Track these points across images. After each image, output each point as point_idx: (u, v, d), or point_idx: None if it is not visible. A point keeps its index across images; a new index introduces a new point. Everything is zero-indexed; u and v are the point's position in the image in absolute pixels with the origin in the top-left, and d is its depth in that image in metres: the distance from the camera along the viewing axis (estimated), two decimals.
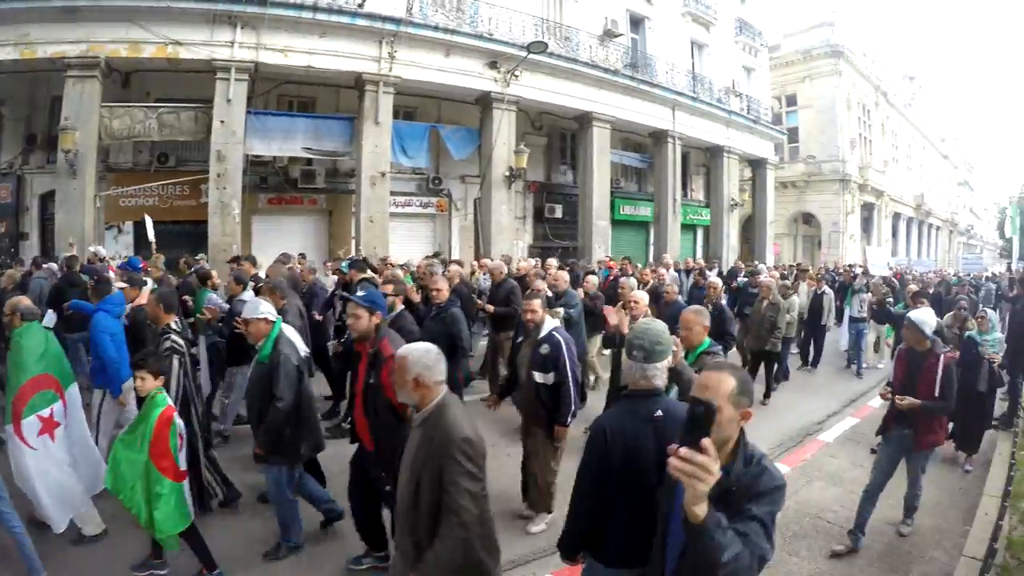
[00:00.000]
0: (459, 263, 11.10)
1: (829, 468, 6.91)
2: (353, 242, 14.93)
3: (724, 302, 9.17)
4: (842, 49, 31.72)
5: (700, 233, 26.00)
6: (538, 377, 4.92)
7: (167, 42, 12.39)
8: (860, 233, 34.54)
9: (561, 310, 7.15)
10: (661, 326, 2.87)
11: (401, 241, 16.01)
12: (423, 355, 2.84)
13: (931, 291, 13.94)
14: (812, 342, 12.42)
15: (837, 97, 31.81)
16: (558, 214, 19.93)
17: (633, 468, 2.52)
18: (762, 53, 27.39)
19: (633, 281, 8.30)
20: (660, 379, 2.71)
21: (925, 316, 5.04)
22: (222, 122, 12.74)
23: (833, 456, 7.36)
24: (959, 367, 6.01)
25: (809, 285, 12.80)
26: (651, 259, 20.28)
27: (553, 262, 12.17)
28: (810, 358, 12.43)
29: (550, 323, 5.12)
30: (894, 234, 41.54)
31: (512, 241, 17.29)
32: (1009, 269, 27.01)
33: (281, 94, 15.56)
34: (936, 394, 4.74)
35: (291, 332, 4.69)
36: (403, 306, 5.85)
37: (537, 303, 5.15)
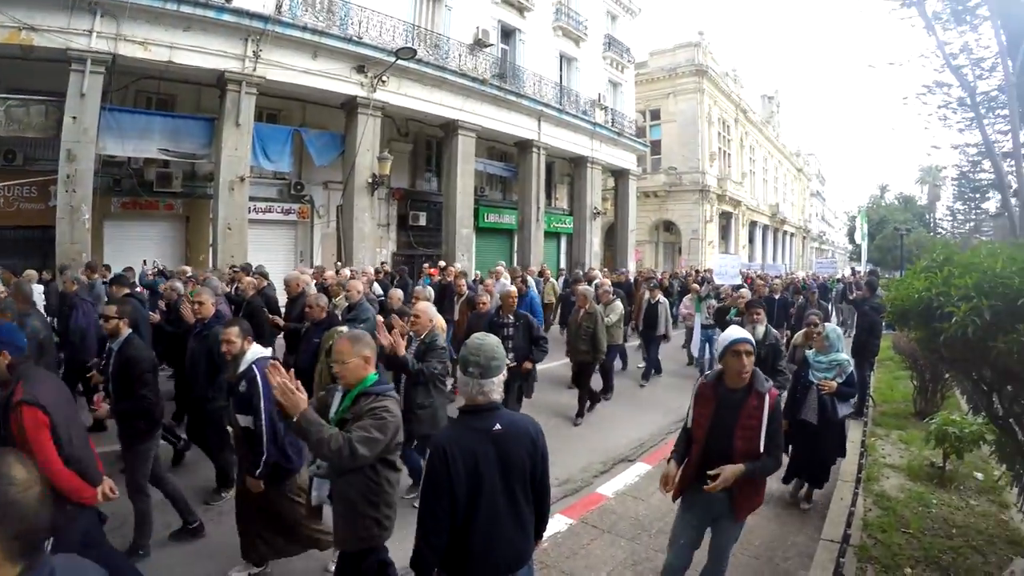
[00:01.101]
0: (259, 273, 10.91)
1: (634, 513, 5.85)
2: (211, 250, 14.60)
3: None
4: (706, 68, 34.53)
5: (564, 241, 27.53)
6: (241, 420, 4.20)
7: (20, 26, 11.47)
8: (718, 240, 37.52)
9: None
10: (494, 340, 2.87)
11: (261, 249, 15.68)
12: None
13: (777, 296, 13.46)
14: (647, 352, 12.12)
15: (699, 113, 34.68)
16: (422, 222, 20.27)
17: (476, 484, 2.58)
18: (629, 69, 29.34)
19: (430, 291, 8.93)
20: (497, 393, 2.76)
21: (734, 335, 3.58)
22: (74, 118, 11.96)
23: (638, 499, 6.21)
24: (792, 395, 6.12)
25: (653, 294, 12.28)
26: (512, 266, 21.18)
27: (347, 271, 11.61)
28: (650, 369, 12.09)
29: (253, 353, 4.32)
30: (751, 240, 45.41)
31: (375, 249, 17.51)
32: (854, 272, 29.84)
33: (139, 90, 14.84)
34: (761, 448, 3.46)
35: None
36: (130, 330, 4.86)
37: (234, 331, 4.41)
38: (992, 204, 31.10)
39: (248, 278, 9.91)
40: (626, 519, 5.70)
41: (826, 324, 6.29)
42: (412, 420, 5.28)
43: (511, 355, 6.83)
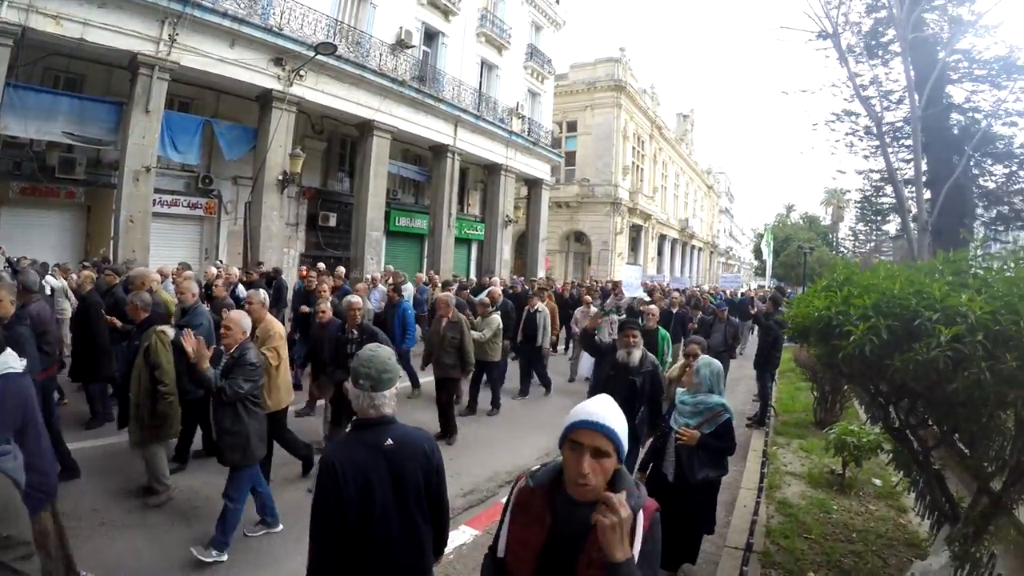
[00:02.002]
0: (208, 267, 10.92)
1: None
2: (111, 243, 13.93)
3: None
4: (624, 84, 35.95)
5: (475, 247, 28.15)
6: None
7: None
8: (628, 252, 38.98)
9: None
10: (387, 352, 2.84)
11: (165, 244, 15.35)
12: None
13: (675, 310, 13.00)
14: (527, 367, 11.62)
15: (615, 127, 36.15)
16: (332, 223, 20.23)
17: (368, 500, 2.56)
18: (549, 80, 30.36)
19: (263, 295, 7.59)
20: (389, 407, 2.74)
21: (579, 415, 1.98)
22: None
23: None
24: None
25: (532, 303, 11.69)
26: (424, 271, 21.54)
27: (190, 272, 11.03)
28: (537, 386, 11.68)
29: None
30: (659, 254, 47.39)
31: (283, 249, 17.48)
32: (759, 288, 31.08)
33: (47, 68, 14.12)
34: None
35: None
36: None
37: None
38: (893, 226, 33.44)
39: (86, 272, 9.20)
40: None
41: (701, 356, 5.06)
42: (222, 448, 4.93)
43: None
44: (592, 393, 4.78)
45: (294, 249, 19.13)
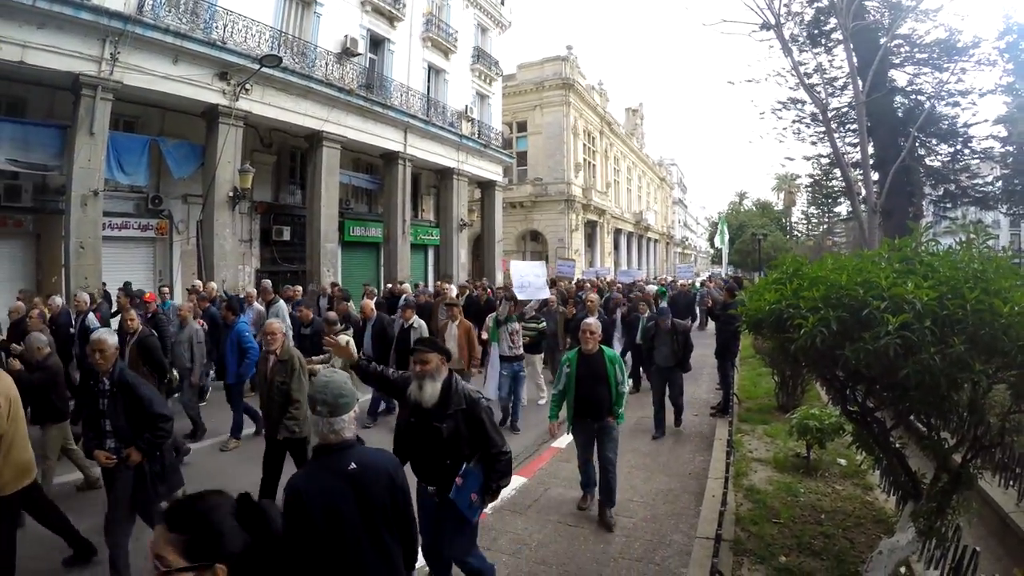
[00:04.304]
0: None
1: None
2: (63, 270, 13.74)
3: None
4: (572, 82, 36.44)
5: (431, 252, 28.29)
6: None
7: None
8: (584, 248, 39.47)
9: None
10: (342, 377, 2.88)
11: (118, 268, 15.03)
12: None
13: (616, 314, 12.90)
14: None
15: (565, 125, 36.60)
16: (286, 236, 20.07)
17: (338, 525, 2.59)
18: (497, 82, 30.70)
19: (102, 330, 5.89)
20: (349, 431, 2.77)
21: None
22: None
23: (515, 512, 6.37)
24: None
25: (407, 315, 9.86)
26: (381, 280, 21.61)
27: (57, 299, 10.62)
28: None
29: None
30: (616, 248, 47.78)
31: (237, 266, 17.41)
32: (711, 279, 31.52)
33: None
34: None
35: None
36: None
37: None
38: (844, 208, 34.45)
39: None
40: (505, 535, 5.84)
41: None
42: None
43: (111, 442, 4.73)
44: (398, 449, 4.05)
45: (249, 265, 18.93)
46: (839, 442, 7.11)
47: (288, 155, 21.07)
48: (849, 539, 5.37)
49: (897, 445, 4.40)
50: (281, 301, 12.23)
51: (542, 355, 11.68)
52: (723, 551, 4.81)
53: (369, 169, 24.07)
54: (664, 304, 12.49)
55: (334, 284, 16.94)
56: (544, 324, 11.20)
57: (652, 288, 18.33)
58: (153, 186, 16.71)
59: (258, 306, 11.68)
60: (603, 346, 6.33)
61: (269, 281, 13.71)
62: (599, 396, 6.00)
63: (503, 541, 5.70)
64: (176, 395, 8.85)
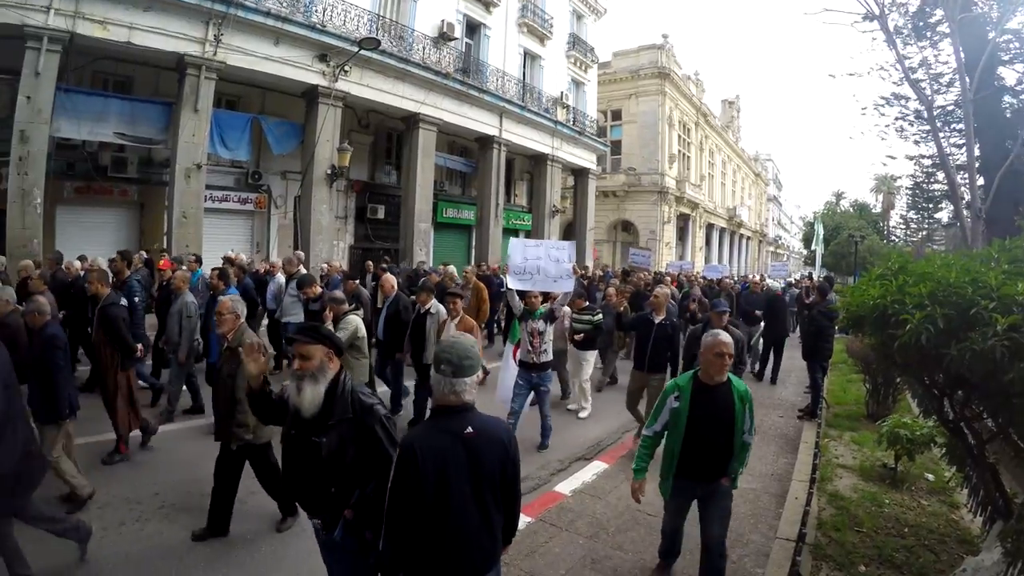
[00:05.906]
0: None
1: None
2: (165, 239, 14.29)
3: None
4: (668, 71, 35.31)
5: (522, 237, 27.41)
6: None
7: None
8: (676, 241, 38.37)
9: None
10: (469, 340, 2.79)
11: (217, 239, 15.38)
12: None
13: (657, 318, 8.07)
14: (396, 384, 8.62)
15: (660, 115, 35.54)
16: (380, 215, 20.38)
17: (446, 487, 2.51)
18: (592, 69, 30.00)
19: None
20: (470, 394, 2.64)
21: None
22: (28, 98, 11.65)
23: (595, 497, 6.21)
24: None
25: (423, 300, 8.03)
26: (472, 262, 21.39)
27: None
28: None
29: None
30: (708, 243, 46.35)
31: (332, 241, 17.59)
32: (810, 277, 30.24)
33: (96, 71, 14.56)
34: None
35: None
36: None
37: None
38: (945, 214, 32.30)
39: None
40: (584, 517, 5.66)
41: None
42: None
43: None
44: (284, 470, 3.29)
45: (343, 241, 19.30)
46: (928, 456, 7.00)
47: (384, 136, 21.36)
48: (932, 555, 5.13)
49: (991, 460, 4.24)
50: (279, 275, 10.72)
51: (596, 352, 9.77)
52: (804, 553, 4.71)
53: (464, 152, 24.04)
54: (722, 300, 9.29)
55: (422, 263, 16.89)
56: (600, 316, 9.34)
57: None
58: (253, 162, 17.25)
59: (280, 278, 10.50)
60: (731, 375, 4.15)
61: (299, 254, 11.50)
62: (717, 448, 4.05)
63: (581, 524, 5.57)
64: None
